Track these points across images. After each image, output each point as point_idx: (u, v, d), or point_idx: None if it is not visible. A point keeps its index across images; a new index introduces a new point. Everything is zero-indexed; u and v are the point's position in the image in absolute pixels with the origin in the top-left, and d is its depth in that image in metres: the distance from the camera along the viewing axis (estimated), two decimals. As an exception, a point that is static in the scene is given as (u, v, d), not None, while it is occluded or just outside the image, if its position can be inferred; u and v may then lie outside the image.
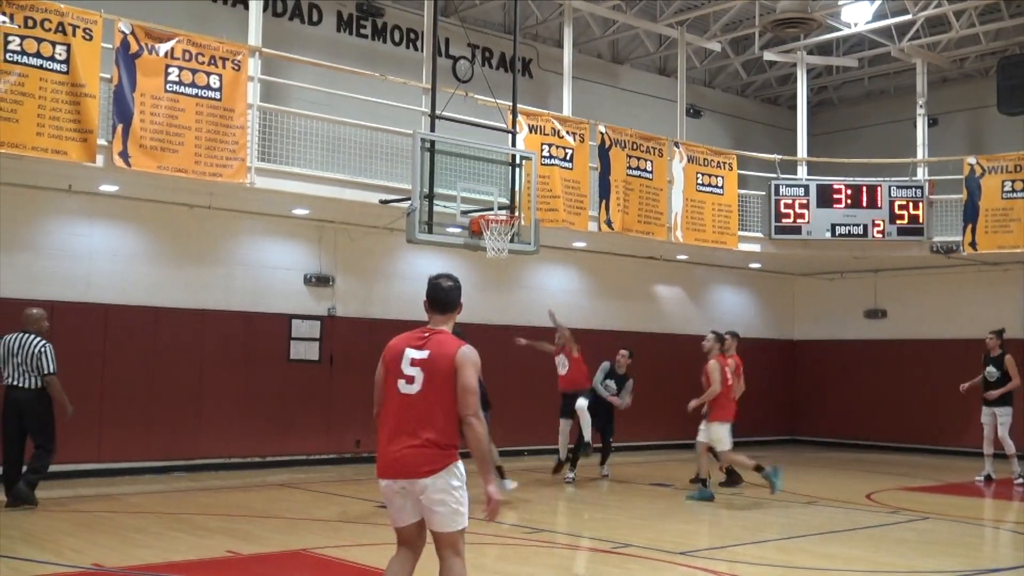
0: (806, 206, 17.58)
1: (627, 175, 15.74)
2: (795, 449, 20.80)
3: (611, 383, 14.63)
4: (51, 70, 10.72)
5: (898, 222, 17.52)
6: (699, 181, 16.78)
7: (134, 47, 11.37)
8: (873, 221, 17.50)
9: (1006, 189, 16.94)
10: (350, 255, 15.84)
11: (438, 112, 13.13)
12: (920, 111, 18.84)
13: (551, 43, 18.87)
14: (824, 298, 22.00)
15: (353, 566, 8.04)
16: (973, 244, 17.14)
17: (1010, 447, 14.51)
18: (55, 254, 13.34)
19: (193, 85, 11.77)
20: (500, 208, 12.96)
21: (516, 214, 13.10)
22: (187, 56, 11.74)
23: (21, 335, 10.91)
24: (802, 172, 18.52)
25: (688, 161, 16.70)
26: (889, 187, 17.60)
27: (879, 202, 17.51)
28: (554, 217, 14.70)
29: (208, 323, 14.44)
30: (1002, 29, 18.76)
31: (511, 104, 14.00)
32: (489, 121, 14.18)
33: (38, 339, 10.88)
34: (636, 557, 8.70)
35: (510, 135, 14.01)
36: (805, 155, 18.72)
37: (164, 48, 11.59)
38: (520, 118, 14.29)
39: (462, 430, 5.24)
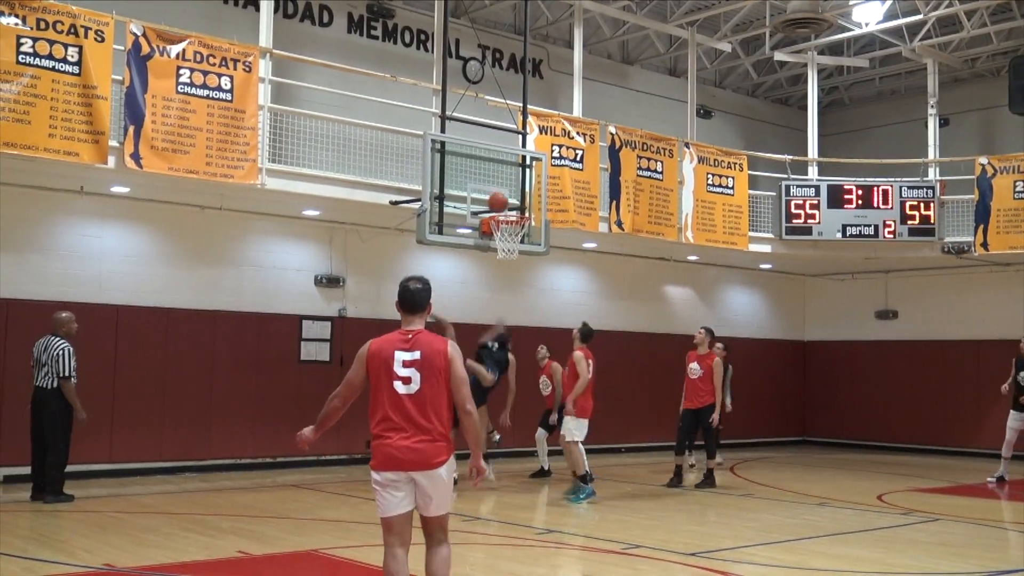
0: (817, 207, 17.54)
1: (637, 176, 15.73)
2: (806, 450, 20.76)
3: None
4: (63, 72, 10.76)
5: (909, 223, 17.46)
6: (709, 182, 16.76)
7: (145, 49, 11.40)
8: (884, 222, 17.45)
9: (1018, 189, 16.88)
10: (361, 256, 15.87)
11: (448, 113, 13.14)
12: (931, 111, 18.79)
13: (561, 44, 18.87)
14: (835, 299, 21.96)
15: (364, 567, 8.05)
16: (985, 245, 17.09)
17: None
18: (67, 255, 13.40)
19: (204, 86, 11.80)
20: (510, 209, 12.96)
21: (526, 215, 13.09)
22: (198, 58, 11.78)
23: (49, 337, 11.25)
24: (813, 172, 18.49)
25: (698, 162, 16.67)
26: (900, 187, 17.55)
27: (890, 202, 17.47)
28: (564, 218, 14.70)
29: (219, 324, 14.48)
30: (1014, 29, 18.70)
31: (521, 105, 14.00)
32: (499, 122, 14.18)
33: (61, 341, 11.15)
34: (646, 558, 8.69)
35: (520, 136, 14.01)
36: (816, 155, 18.69)
37: (175, 50, 11.62)
38: (530, 119, 14.29)
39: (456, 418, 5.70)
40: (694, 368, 13.51)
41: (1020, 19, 18.20)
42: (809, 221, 17.56)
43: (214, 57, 11.92)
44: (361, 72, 14.55)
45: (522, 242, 12.99)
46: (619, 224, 15.44)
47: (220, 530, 9.75)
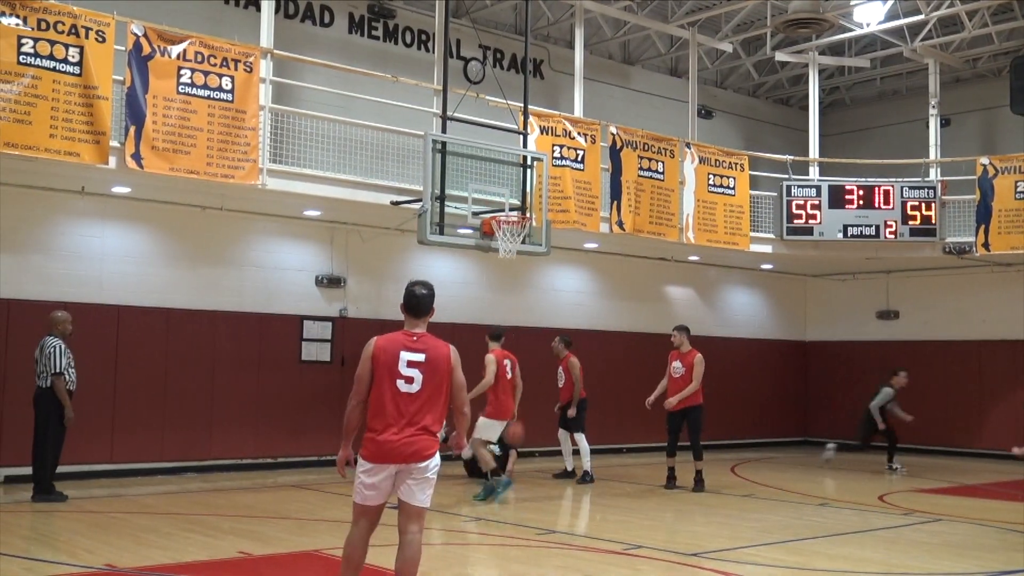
0: (818, 207, 17.53)
1: (638, 176, 15.72)
2: (807, 450, 20.73)
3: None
4: (64, 72, 10.76)
5: (910, 223, 17.45)
6: (711, 182, 16.75)
7: (146, 49, 11.40)
8: (885, 222, 17.44)
9: (1019, 190, 16.86)
10: (362, 256, 15.86)
11: (449, 113, 13.14)
12: (933, 111, 18.77)
13: (562, 44, 18.87)
14: (836, 299, 21.94)
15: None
16: (986, 245, 17.07)
17: None
18: (68, 256, 13.39)
19: (205, 87, 11.79)
20: (511, 209, 12.96)
21: (527, 215, 13.10)
22: (199, 58, 11.77)
23: (46, 338, 11.30)
24: (814, 173, 18.48)
25: (700, 162, 16.67)
26: (901, 188, 17.54)
27: (891, 203, 17.45)
28: (565, 218, 14.70)
29: (220, 324, 14.47)
30: (1015, 29, 18.68)
31: (522, 105, 14.00)
32: (500, 122, 14.18)
33: (55, 341, 11.22)
34: (648, 559, 8.68)
35: (521, 136, 14.00)
36: (817, 156, 18.68)
37: (176, 50, 11.62)
38: (531, 119, 14.29)
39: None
40: (677, 367, 13.48)
41: (1021, 19, 18.19)
42: (810, 221, 17.54)
43: (215, 57, 11.92)
44: (362, 72, 14.55)
45: (523, 242, 13.00)
46: (620, 224, 15.44)
47: (221, 530, 9.74)
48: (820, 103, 19.48)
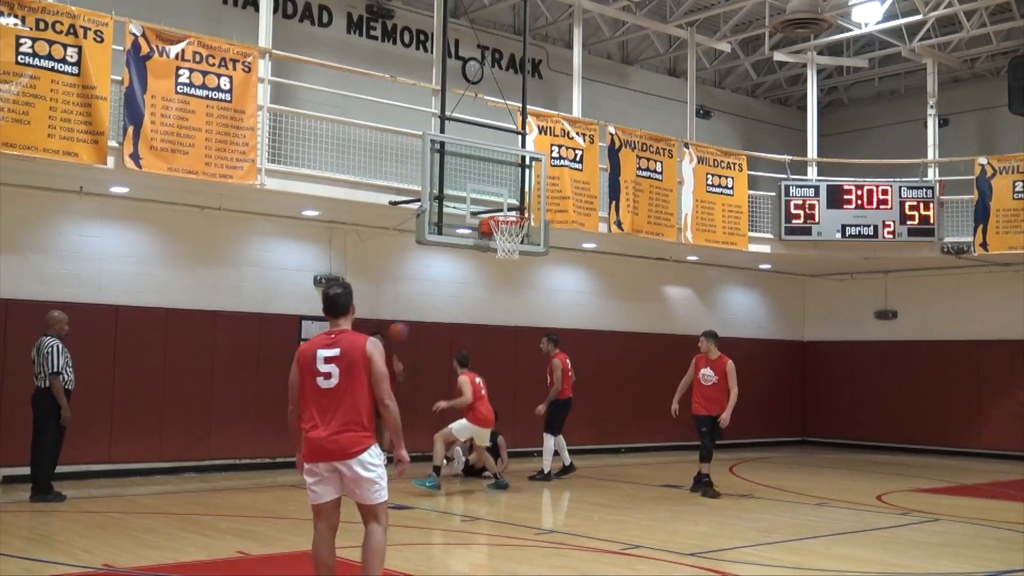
0: (816, 207, 17.55)
1: (637, 176, 15.73)
2: (806, 450, 20.75)
3: None
4: (62, 72, 10.77)
5: (909, 223, 17.46)
6: (709, 182, 16.76)
7: (145, 49, 11.40)
8: (884, 222, 17.45)
9: (1017, 190, 16.88)
10: (360, 256, 15.86)
11: (448, 113, 13.14)
12: (931, 111, 18.79)
13: (561, 44, 18.87)
14: (834, 299, 21.95)
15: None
16: (984, 245, 17.08)
17: None
18: (66, 256, 13.39)
19: (204, 87, 11.80)
20: (510, 209, 12.97)
21: (526, 215, 13.10)
22: (197, 58, 11.78)
23: (43, 338, 11.28)
24: (812, 173, 18.49)
25: (698, 162, 16.68)
26: (900, 188, 17.55)
27: (890, 203, 17.47)
28: (564, 218, 14.70)
29: (219, 324, 14.47)
30: (1013, 29, 18.70)
31: (521, 105, 14.00)
32: (499, 122, 14.18)
33: (51, 340, 11.21)
34: (645, 558, 8.69)
35: (520, 136, 14.01)
36: (815, 156, 18.69)
37: (175, 50, 11.63)
38: (530, 119, 14.29)
39: (377, 411, 6.14)
40: (707, 374, 12.93)
41: (1019, 19, 18.20)
42: (808, 221, 17.55)
43: (213, 57, 11.92)
44: (360, 72, 14.56)
45: (522, 242, 13.00)
46: (619, 224, 15.44)
47: (219, 530, 9.74)
48: (818, 103, 19.50)
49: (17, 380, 12.14)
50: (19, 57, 10.50)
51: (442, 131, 13.01)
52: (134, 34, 11.34)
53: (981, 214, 17.12)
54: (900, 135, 21.29)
